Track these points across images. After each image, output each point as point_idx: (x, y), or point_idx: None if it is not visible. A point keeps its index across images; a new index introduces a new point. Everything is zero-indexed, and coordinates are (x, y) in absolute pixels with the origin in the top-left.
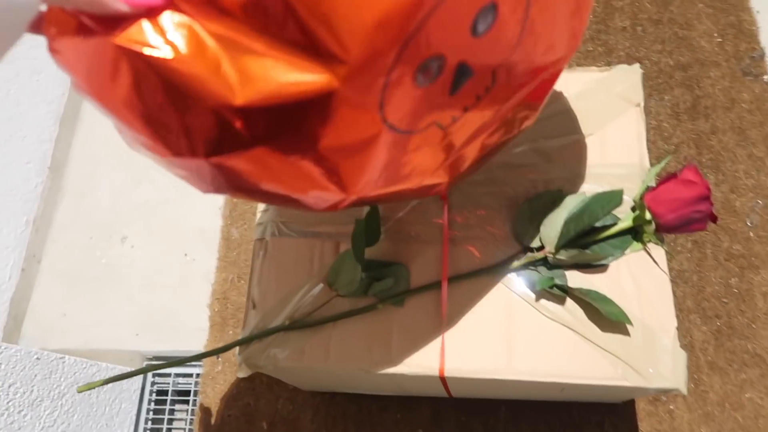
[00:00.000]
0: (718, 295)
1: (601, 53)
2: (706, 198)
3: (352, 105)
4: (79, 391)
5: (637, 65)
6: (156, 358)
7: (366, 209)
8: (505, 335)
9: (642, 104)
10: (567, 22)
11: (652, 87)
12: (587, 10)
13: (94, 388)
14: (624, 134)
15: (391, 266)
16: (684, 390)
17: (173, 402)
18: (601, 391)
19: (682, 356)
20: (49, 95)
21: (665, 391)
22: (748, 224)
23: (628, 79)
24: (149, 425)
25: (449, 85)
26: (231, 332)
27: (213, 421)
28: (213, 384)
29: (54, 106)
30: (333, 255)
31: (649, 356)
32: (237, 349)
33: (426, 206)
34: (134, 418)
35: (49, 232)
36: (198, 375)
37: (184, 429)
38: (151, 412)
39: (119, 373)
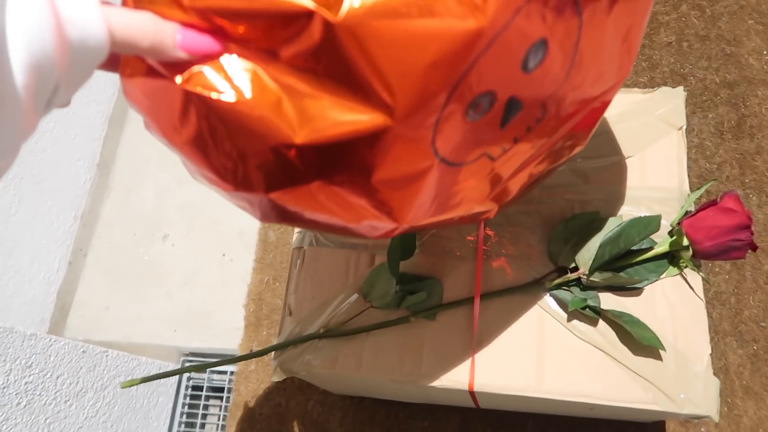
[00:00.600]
0: (756, 318)
1: (645, 68)
2: (746, 227)
3: (404, 140)
4: (123, 387)
5: (680, 88)
6: (192, 354)
7: None
8: (535, 353)
9: (684, 128)
10: (617, 51)
11: (696, 104)
12: (638, 39)
13: (135, 385)
14: (664, 157)
15: (425, 280)
16: (715, 417)
17: (207, 398)
18: (630, 413)
19: (714, 383)
20: (100, 96)
21: (696, 417)
22: None
23: (671, 101)
24: (184, 419)
25: (499, 119)
26: (265, 333)
27: (245, 418)
28: (246, 382)
29: (104, 106)
30: (368, 266)
31: (680, 382)
32: (272, 353)
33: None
34: (170, 411)
35: (95, 228)
36: (232, 372)
37: (217, 424)
38: (186, 407)
39: (158, 367)
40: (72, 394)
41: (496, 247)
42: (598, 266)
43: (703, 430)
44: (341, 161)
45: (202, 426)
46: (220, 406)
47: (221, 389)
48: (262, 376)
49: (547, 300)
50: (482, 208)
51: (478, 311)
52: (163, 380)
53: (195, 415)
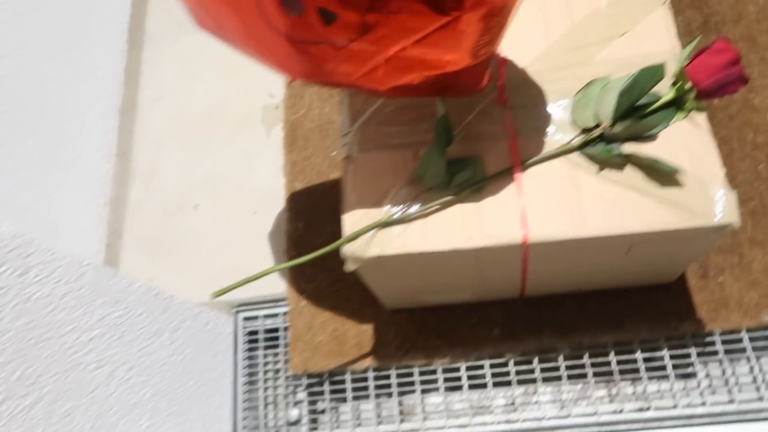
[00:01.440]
0: (748, 180)
1: None
2: (737, 61)
3: None
4: (214, 297)
5: None
6: (243, 304)
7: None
8: (575, 203)
9: (667, 2)
10: None
11: None
12: None
13: (227, 291)
14: (655, 28)
15: (467, 160)
16: (738, 223)
17: (265, 339)
18: (663, 247)
19: (732, 196)
20: (109, 89)
21: (722, 229)
22: None
23: None
24: (247, 362)
25: (320, 20)
26: (309, 271)
27: (305, 347)
28: (300, 317)
29: (113, 99)
30: (413, 161)
31: (704, 200)
32: (341, 248)
33: (490, 110)
34: (232, 356)
35: (125, 212)
36: (285, 314)
37: (279, 360)
38: (246, 350)
39: (216, 317)
40: (152, 332)
41: (524, 123)
42: (618, 116)
43: (720, 279)
44: None
45: (265, 365)
46: (278, 345)
47: (276, 330)
48: (314, 309)
49: (577, 158)
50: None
51: (520, 175)
52: (221, 329)
53: (255, 357)
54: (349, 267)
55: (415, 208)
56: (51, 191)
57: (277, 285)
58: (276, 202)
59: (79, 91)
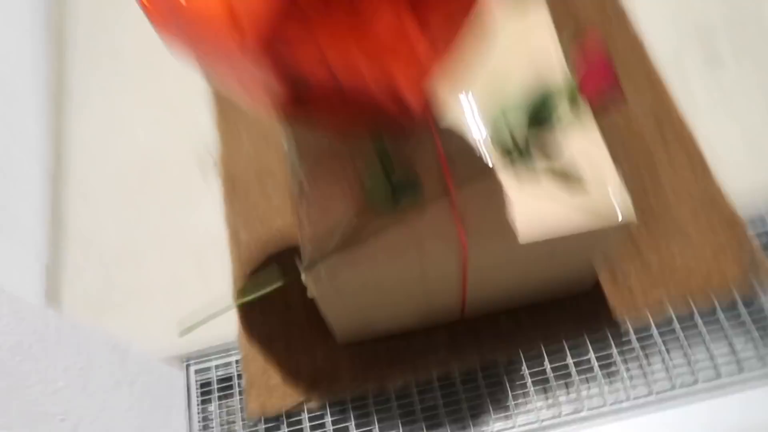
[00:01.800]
0: (638, 195)
1: None
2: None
3: None
4: (180, 335)
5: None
6: (194, 357)
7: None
8: (504, 214)
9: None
10: None
11: None
12: None
13: (193, 330)
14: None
15: (409, 182)
16: (635, 220)
17: (219, 390)
18: (579, 250)
19: (627, 198)
20: (39, 155)
21: (623, 226)
22: (645, 137)
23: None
24: (201, 415)
25: None
26: (259, 316)
27: (261, 392)
28: (254, 362)
29: (44, 164)
30: (360, 191)
31: (604, 203)
32: (302, 276)
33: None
34: (186, 411)
35: (64, 274)
36: (237, 361)
37: (235, 409)
38: (200, 404)
39: (170, 370)
40: (111, 385)
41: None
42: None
43: (629, 284)
44: None
45: (220, 415)
46: (232, 393)
47: (229, 379)
48: (267, 352)
49: (503, 174)
50: None
51: (454, 193)
52: (174, 382)
53: (209, 408)
54: (311, 292)
55: (365, 233)
56: None
57: (225, 335)
58: (220, 252)
59: (5, 158)
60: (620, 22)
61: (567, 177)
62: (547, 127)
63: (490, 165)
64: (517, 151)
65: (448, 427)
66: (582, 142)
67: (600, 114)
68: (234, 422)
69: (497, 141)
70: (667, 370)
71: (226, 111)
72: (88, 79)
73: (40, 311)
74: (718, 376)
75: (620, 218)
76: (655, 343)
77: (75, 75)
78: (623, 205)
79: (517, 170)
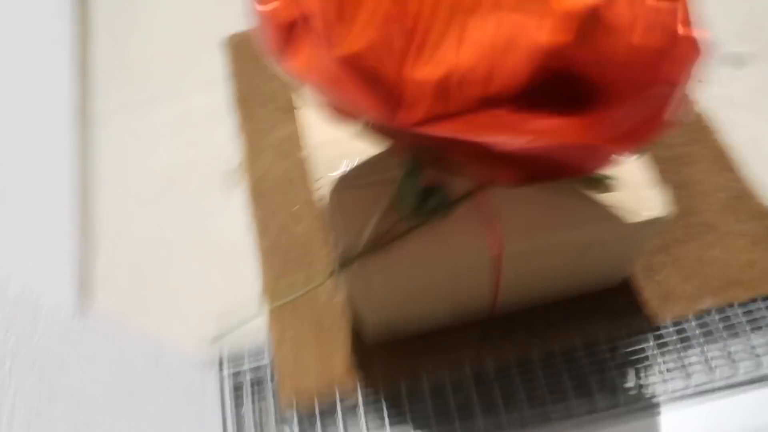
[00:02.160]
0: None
1: None
2: None
3: None
4: (212, 342)
5: None
6: (226, 359)
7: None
8: (537, 213)
9: None
10: None
11: None
12: None
13: (224, 336)
14: None
15: (435, 187)
16: (672, 214)
17: (252, 393)
18: (614, 245)
19: (664, 192)
20: (67, 170)
21: (660, 221)
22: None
23: None
24: (234, 417)
25: None
26: (288, 320)
27: (291, 391)
28: (285, 363)
29: (71, 179)
30: (386, 195)
31: (641, 198)
32: (333, 278)
33: None
34: (220, 413)
35: (94, 286)
36: (267, 364)
37: (268, 410)
38: (234, 406)
39: (202, 372)
40: (149, 388)
41: None
42: None
43: (658, 278)
44: None
45: (253, 415)
46: (264, 395)
47: (261, 381)
48: (298, 354)
49: None
50: None
51: (485, 195)
52: (207, 385)
53: (242, 410)
54: (341, 296)
55: (393, 237)
56: (22, 270)
57: (256, 338)
58: (246, 259)
59: (35, 173)
60: None
61: (603, 178)
62: None
63: None
64: None
65: (482, 420)
66: None
67: None
68: (267, 424)
69: None
70: (705, 362)
71: (247, 124)
72: (115, 86)
73: (75, 323)
74: (759, 367)
75: (658, 212)
76: (691, 336)
77: (102, 81)
78: (660, 199)
79: None
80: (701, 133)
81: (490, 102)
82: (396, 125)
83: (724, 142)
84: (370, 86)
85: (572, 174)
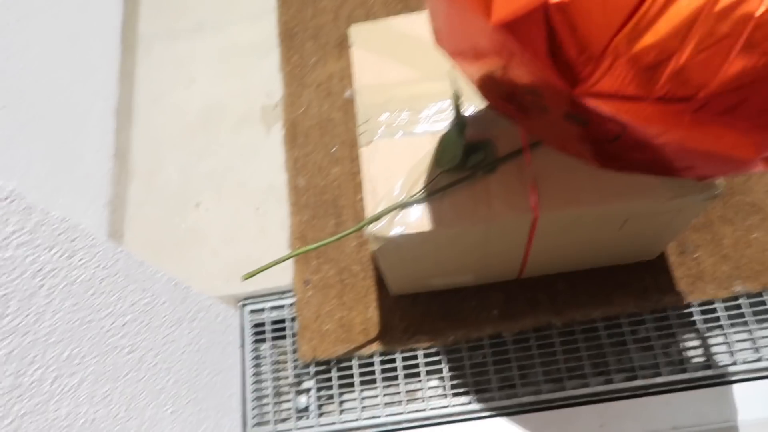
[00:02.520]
0: None
1: None
2: None
3: None
4: (244, 279)
5: None
6: (249, 297)
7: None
8: (580, 180)
9: None
10: None
11: None
12: None
13: (256, 274)
14: None
15: (480, 142)
16: (720, 191)
17: (272, 331)
18: (653, 221)
19: None
20: (105, 92)
21: (707, 198)
22: None
23: None
24: (254, 354)
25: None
26: (314, 262)
27: (313, 336)
28: (307, 307)
29: (110, 101)
30: (428, 146)
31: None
32: (364, 229)
33: None
34: (240, 349)
35: (126, 211)
36: (291, 305)
37: (286, 351)
38: (253, 342)
39: (225, 309)
40: (174, 321)
41: None
42: None
43: (695, 255)
44: None
45: (272, 355)
46: (284, 335)
47: (282, 321)
48: (321, 299)
49: None
50: None
51: (530, 156)
52: (230, 321)
53: (262, 348)
54: (373, 247)
55: (432, 190)
56: (53, 192)
57: (280, 278)
58: (278, 198)
59: (76, 93)
60: None
61: None
62: None
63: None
64: None
65: (495, 384)
66: None
67: None
68: (285, 362)
69: None
70: (728, 345)
71: (291, 59)
72: (162, 11)
73: (111, 248)
74: None
75: (704, 190)
76: (719, 318)
77: (145, 17)
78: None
79: None
80: None
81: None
82: (566, 89)
83: None
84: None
85: (684, 175)
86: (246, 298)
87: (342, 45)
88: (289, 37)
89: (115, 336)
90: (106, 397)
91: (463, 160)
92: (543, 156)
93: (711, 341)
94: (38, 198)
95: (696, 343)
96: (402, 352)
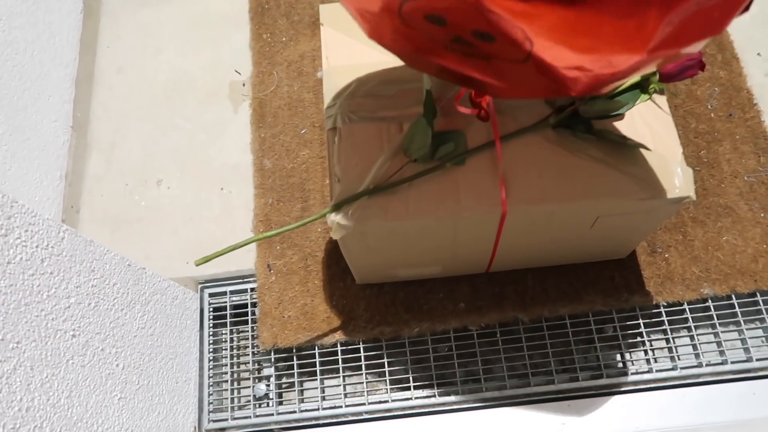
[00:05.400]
0: (691, 165)
1: None
2: None
3: None
4: (197, 264)
5: None
6: (209, 281)
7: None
8: (550, 175)
9: None
10: None
11: None
12: None
13: (210, 260)
14: None
15: (450, 133)
16: (694, 196)
17: (232, 316)
18: (625, 220)
19: (689, 173)
20: (65, 58)
21: (680, 201)
22: (709, 107)
23: None
24: (212, 338)
25: None
26: (278, 247)
27: (275, 323)
28: (269, 293)
29: (70, 69)
30: (398, 133)
31: (664, 176)
32: (327, 216)
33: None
34: (198, 333)
35: (83, 185)
36: (252, 290)
37: (246, 336)
38: (212, 327)
39: (183, 292)
40: (125, 304)
41: (503, 102)
42: (591, 97)
43: (666, 256)
44: None
45: (231, 341)
46: (245, 321)
47: (243, 306)
48: (283, 285)
49: (552, 134)
50: None
51: (500, 149)
52: (188, 304)
53: (222, 333)
54: (335, 235)
55: (399, 179)
56: (3, 161)
57: (243, 261)
58: (243, 179)
59: (33, 58)
60: None
61: (625, 143)
62: (610, 96)
63: (542, 123)
64: (574, 113)
65: (459, 378)
66: (648, 113)
67: (676, 79)
68: (246, 347)
69: (552, 103)
70: (695, 346)
71: (262, 36)
72: None
73: (54, 226)
74: (750, 359)
75: (677, 191)
76: (686, 319)
77: None
78: (683, 179)
79: (572, 132)
80: (743, 110)
81: None
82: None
83: (764, 125)
84: None
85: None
86: (206, 281)
87: (315, 24)
88: (261, 12)
89: (57, 319)
90: (46, 383)
91: (432, 150)
92: (514, 150)
93: (678, 342)
94: None
95: (662, 344)
96: (365, 342)
